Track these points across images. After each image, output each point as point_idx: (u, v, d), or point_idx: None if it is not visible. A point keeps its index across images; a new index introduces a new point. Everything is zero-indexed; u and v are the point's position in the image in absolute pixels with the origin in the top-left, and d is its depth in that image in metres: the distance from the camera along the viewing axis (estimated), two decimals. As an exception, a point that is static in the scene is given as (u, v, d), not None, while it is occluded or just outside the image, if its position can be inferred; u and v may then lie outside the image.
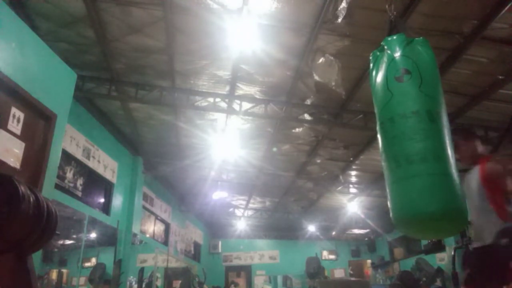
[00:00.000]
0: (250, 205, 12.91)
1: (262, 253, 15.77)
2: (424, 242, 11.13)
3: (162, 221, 10.44)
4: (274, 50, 5.22)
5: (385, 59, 2.48)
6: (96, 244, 7.27)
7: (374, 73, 2.54)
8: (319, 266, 13.35)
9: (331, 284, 10.74)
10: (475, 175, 2.57)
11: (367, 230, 14.98)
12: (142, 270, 8.45)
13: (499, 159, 2.62)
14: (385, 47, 2.52)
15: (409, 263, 11.91)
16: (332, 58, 5.37)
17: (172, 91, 6.20)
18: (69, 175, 6.02)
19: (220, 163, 8.97)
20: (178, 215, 11.60)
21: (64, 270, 6.83)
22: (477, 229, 2.53)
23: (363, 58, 4.66)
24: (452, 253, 7.95)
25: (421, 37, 2.49)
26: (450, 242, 9.57)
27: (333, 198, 11.53)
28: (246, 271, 15.46)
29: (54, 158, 3.50)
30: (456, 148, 2.57)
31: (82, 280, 6.74)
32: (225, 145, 7.97)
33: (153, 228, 9.75)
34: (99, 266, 7.16)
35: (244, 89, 6.27)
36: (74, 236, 6.54)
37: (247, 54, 5.32)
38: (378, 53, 2.57)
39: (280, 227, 15.36)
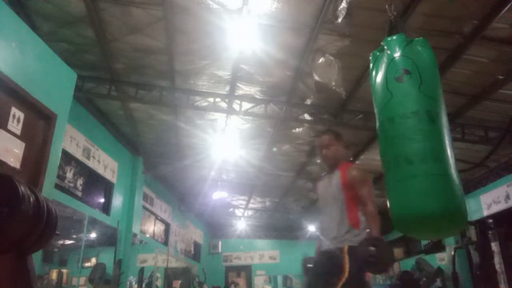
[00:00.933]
0: (250, 205, 12.91)
1: (262, 253, 15.76)
2: (424, 242, 11.13)
3: (162, 221, 10.44)
4: (274, 50, 5.22)
5: (385, 59, 2.48)
6: (96, 244, 7.27)
7: (374, 73, 2.54)
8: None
9: (331, 284, 10.73)
10: (334, 180, 2.57)
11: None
12: (142, 270, 8.45)
13: (359, 167, 2.70)
14: (385, 47, 2.52)
15: (409, 263, 11.91)
16: (332, 58, 5.36)
17: (172, 91, 6.20)
18: (69, 175, 6.02)
19: (220, 163, 8.97)
20: (178, 215, 11.60)
21: (64, 270, 6.83)
22: (328, 233, 2.52)
23: (363, 58, 4.66)
24: (452, 253, 7.98)
25: (421, 37, 2.49)
26: (450, 242, 9.57)
27: (333, 198, 11.51)
28: (246, 271, 15.44)
29: (54, 158, 3.50)
30: (325, 147, 2.66)
31: (82, 280, 6.74)
32: (225, 145, 7.97)
33: (153, 228, 9.75)
34: (99, 266, 7.16)
35: (244, 89, 6.26)
36: (74, 236, 6.54)
37: (247, 54, 5.32)
38: (378, 53, 2.57)
39: (280, 227, 15.35)
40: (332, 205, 2.54)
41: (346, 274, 2.25)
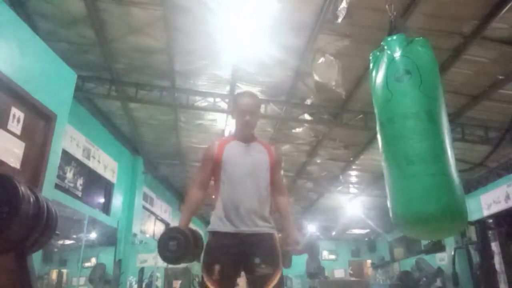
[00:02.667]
0: (250, 205, 12.89)
1: (262, 253, 15.73)
2: (424, 242, 11.14)
3: (162, 221, 10.44)
4: (274, 50, 5.22)
5: (385, 59, 2.48)
6: (96, 244, 7.27)
7: (374, 73, 2.54)
8: (319, 266, 13.33)
9: (331, 284, 10.75)
10: (257, 153, 2.15)
11: (367, 230, 14.98)
12: (142, 270, 8.45)
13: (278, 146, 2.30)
14: (385, 47, 2.52)
15: (409, 263, 11.92)
16: (332, 58, 5.36)
17: (172, 91, 6.20)
18: (69, 175, 6.02)
19: (220, 163, 8.95)
20: (178, 215, 11.56)
21: (64, 270, 6.83)
22: (250, 212, 2.01)
23: (363, 58, 4.64)
24: (452, 253, 7.97)
25: (421, 37, 2.49)
26: (450, 242, 9.58)
27: (333, 198, 11.53)
28: (246, 271, 15.43)
29: (54, 158, 3.50)
30: (252, 113, 2.19)
31: (82, 280, 6.74)
32: (225, 145, 7.95)
33: (153, 228, 9.75)
34: (99, 266, 7.16)
35: (244, 89, 6.26)
36: (74, 236, 6.54)
37: (247, 54, 5.32)
38: (378, 53, 2.57)
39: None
40: (251, 181, 2.07)
41: (281, 267, 1.98)
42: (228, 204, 2.04)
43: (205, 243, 2.16)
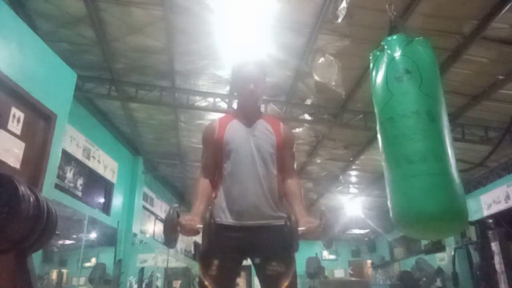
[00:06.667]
0: (250, 205, 12.88)
1: (262, 253, 15.71)
2: (424, 242, 11.14)
3: (162, 221, 10.43)
4: (274, 50, 5.22)
5: (385, 59, 2.48)
6: (96, 244, 7.27)
7: (374, 73, 2.55)
8: (319, 266, 13.33)
9: (331, 284, 10.76)
10: (261, 133, 1.89)
11: (367, 230, 14.97)
12: (142, 270, 8.45)
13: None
14: (385, 47, 2.52)
15: (409, 263, 11.92)
16: (332, 58, 5.36)
17: (172, 91, 6.20)
18: (69, 175, 6.02)
19: (220, 163, 8.95)
20: (178, 215, 11.58)
21: (64, 270, 6.83)
22: (257, 202, 1.76)
23: (363, 58, 4.64)
24: (452, 253, 7.96)
25: (421, 37, 2.49)
26: (450, 242, 9.58)
27: (333, 198, 11.53)
28: (246, 271, 15.41)
29: (54, 158, 3.50)
30: (257, 83, 1.93)
31: (82, 280, 6.74)
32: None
33: (153, 228, 9.75)
34: (99, 266, 7.16)
35: (244, 89, 6.25)
36: (74, 236, 6.54)
37: (247, 54, 5.32)
38: (378, 53, 2.58)
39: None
40: (256, 167, 1.81)
41: (294, 262, 1.76)
42: (231, 193, 1.80)
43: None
